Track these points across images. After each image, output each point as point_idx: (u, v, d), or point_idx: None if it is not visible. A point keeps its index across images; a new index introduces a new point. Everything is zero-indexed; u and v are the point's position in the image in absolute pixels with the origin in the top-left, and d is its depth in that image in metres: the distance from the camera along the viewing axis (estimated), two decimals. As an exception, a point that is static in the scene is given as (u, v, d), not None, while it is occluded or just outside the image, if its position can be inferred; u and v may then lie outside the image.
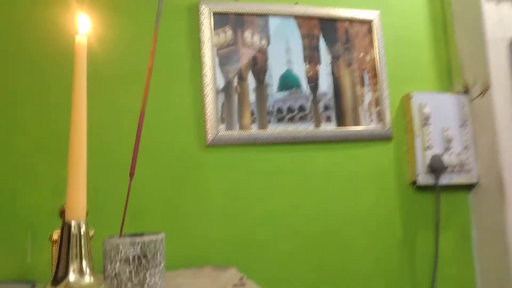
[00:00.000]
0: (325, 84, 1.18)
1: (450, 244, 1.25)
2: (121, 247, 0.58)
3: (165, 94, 1.05)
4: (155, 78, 1.04)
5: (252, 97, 1.11)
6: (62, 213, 0.61)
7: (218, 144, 1.06)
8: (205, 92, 1.06)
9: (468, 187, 1.28)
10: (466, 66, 1.29)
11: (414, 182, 1.22)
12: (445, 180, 1.22)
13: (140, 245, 0.59)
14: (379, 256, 1.17)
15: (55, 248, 0.62)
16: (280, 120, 1.13)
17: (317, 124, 1.16)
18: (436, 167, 1.19)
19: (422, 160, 1.21)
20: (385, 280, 1.17)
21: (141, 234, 0.66)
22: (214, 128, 1.06)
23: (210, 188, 1.06)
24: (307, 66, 1.17)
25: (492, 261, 1.21)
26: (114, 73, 1.02)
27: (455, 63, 1.32)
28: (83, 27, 0.56)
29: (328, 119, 1.17)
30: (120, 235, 0.63)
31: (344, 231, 1.16)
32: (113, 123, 1.01)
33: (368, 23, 1.23)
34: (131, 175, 0.63)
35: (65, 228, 0.50)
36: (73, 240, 0.50)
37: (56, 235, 0.60)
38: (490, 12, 1.24)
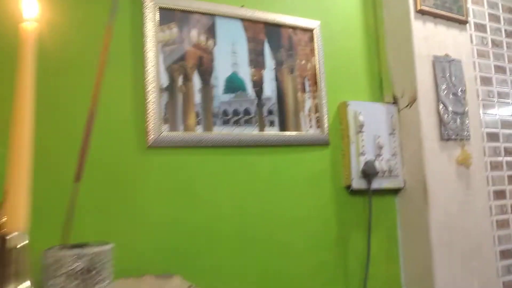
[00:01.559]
0: (269, 89, 1.18)
1: (380, 244, 1.33)
2: (66, 260, 0.52)
3: (104, 90, 0.97)
4: (93, 74, 0.96)
5: (197, 97, 1.07)
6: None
7: (161, 146, 1.01)
8: (147, 90, 1.00)
9: (395, 191, 1.38)
10: (395, 79, 1.39)
11: (348, 186, 1.28)
12: (376, 184, 1.29)
13: (89, 257, 0.53)
14: (316, 257, 1.21)
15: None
16: (225, 122, 1.11)
17: (262, 128, 1.16)
18: (369, 172, 1.26)
19: (356, 165, 1.27)
20: (321, 280, 1.21)
21: (82, 245, 0.60)
22: (156, 129, 1.00)
23: (151, 192, 1.00)
24: (253, 70, 1.17)
25: (415, 259, 1.32)
26: (55, 65, 0.92)
27: (386, 75, 1.41)
28: (29, 11, 0.49)
29: (272, 123, 1.18)
30: (62, 246, 0.56)
31: (285, 234, 1.17)
32: (49, 120, 0.90)
33: (310, 31, 1.27)
34: (78, 179, 0.56)
35: (1, 242, 0.44)
36: (10, 254, 0.44)
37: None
38: (418, 31, 1.35)
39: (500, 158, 1.64)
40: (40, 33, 0.85)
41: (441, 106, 1.34)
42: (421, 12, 1.36)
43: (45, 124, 0.88)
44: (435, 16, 1.40)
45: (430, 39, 1.37)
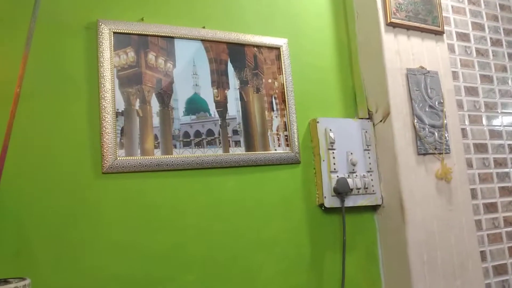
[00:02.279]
0: (233, 108, 1.17)
1: (358, 263, 1.28)
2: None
3: (57, 117, 0.97)
4: (45, 100, 0.97)
5: (155, 121, 1.07)
6: None
7: (116, 171, 1.00)
8: (102, 115, 1.00)
9: (373, 208, 1.34)
10: (369, 93, 1.36)
11: (321, 205, 1.24)
12: (350, 202, 1.26)
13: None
14: (288, 281, 1.17)
15: None
16: (186, 144, 1.10)
17: (226, 149, 1.14)
18: (342, 190, 1.23)
19: (329, 183, 1.24)
20: (294, 305, 1.17)
21: (4, 280, 0.59)
22: (111, 154, 0.99)
23: (107, 219, 0.99)
24: (215, 90, 1.16)
25: (395, 279, 1.26)
26: None
27: (360, 90, 1.38)
28: None
29: (237, 143, 1.16)
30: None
31: (254, 258, 1.14)
32: None
33: (276, 49, 1.26)
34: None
35: None
36: None
37: None
38: (389, 44, 1.32)
39: (489, 170, 1.58)
40: None
41: (416, 119, 1.30)
42: (392, 25, 1.33)
43: None
44: (408, 28, 1.37)
45: (403, 52, 1.34)
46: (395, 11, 1.33)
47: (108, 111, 1.00)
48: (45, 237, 0.92)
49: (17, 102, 0.59)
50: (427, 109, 1.33)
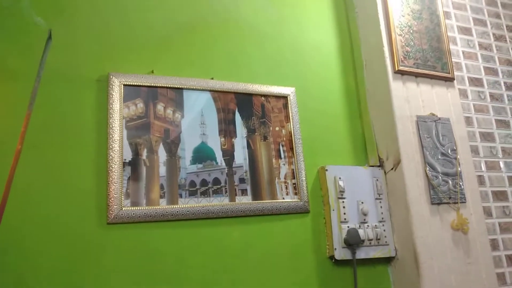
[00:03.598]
0: (240, 157, 1.17)
1: (372, 321, 1.21)
2: None
3: (65, 167, 0.99)
4: (54, 150, 0.99)
5: (162, 170, 1.07)
6: None
7: (121, 222, 1.00)
8: (109, 165, 1.01)
9: (387, 260, 1.28)
10: (379, 141, 1.34)
11: (332, 257, 1.20)
12: (362, 254, 1.21)
13: None
14: (297, 338, 1.11)
15: None
16: (192, 194, 1.09)
17: (232, 198, 1.13)
18: (352, 241, 1.18)
19: (339, 233, 1.20)
20: None
21: None
22: (117, 204, 1.00)
23: (111, 270, 0.97)
24: (222, 139, 1.16)
25: (412, 338, 1.18)
26: None
27: (369, 138, 1.37)
28: None
29: (244, 192, 1.15)
30: None
31: (260, 313, 1.09)
32: None
33: (283, 98, 1.27)
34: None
35: None
36: None
37: None
38: (398, 91, 1.32)
39: (510, 219, 1.51)
40: None
41: (428, 167, 1.27)
42: (400, 73, 1.33)
43: None
44: (417, 75, 1.37)
45: (412, 99, 1.33)
46: (403, 58, 1.34)
47: (116, 161, 1.01)
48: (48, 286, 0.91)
49: (18, 158, 0.60)
50: (439, 157, 1.30)
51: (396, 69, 1.32)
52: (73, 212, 0.97)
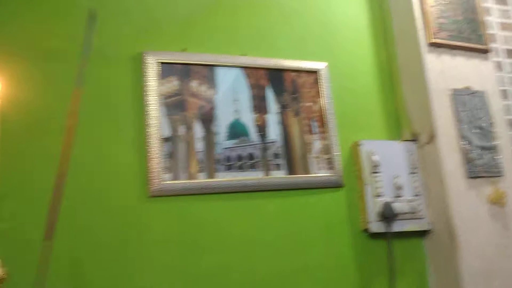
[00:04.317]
0: (273, 132, 1.18)
1: (407, 292, 1.22)
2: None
3: (107, 144, 1.03)
4: (96, 129, 1.03)
5: (199, 145, 1.10)
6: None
7: (163, 195, 1.03)
8: (149, 141, 1.04)
9: (422, 234, 1.28)
10: (413, 115, 1.33)
11: (366, 230, 1.20)
12: (397, 227, 1.21)
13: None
14: (333, 309, 1.13)
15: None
16: (228, 168, 1.11)
17: (267, 172, 1.15)
18: (387, 215, 1.19)
19: (373, 207, 1.20)
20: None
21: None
22: (158, 178, 1.03)
23: (154, 241, 1.01)
24: (256, 115, 1.18)
25: (448, 311, 1.19)
26: (39, 130, 0.97)
27: (403, 112, 1.36)
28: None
29: (278, 167, 1.16)
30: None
31: (296, 282, 1.12)
32: (36, 181, 0.95)
33: (315, 73, 1.27)
34: (47, 238, 0.59)
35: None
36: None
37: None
38: (432, 64, 1.30)
39: (549, 194, 1.47)
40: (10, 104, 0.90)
41: (464, 141, 1.25)
42: (434, 45, 1.31)
43: (14, 186, 0.93)
44: (452, 47, 1.34)
45: (447, 72, 1.31)
46: (437, 31, 1.31)
47: (155, 137, 1.04)
48: (98, 258, 0.96)
49: (72, 134, 0.63)
50: (475, 130, 1.28)
51: (430, 41, 1.29)
52: (117, 186, 1.01)
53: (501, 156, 1.29)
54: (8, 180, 0.91)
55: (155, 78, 1.08)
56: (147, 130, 1.05)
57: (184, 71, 1.12)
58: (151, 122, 1.05)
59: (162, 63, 1.10)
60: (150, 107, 1.06)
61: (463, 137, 1.25)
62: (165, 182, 1.04)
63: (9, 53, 0.98)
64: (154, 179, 1.03)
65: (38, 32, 1.03)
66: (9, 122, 0.87)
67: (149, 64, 1.08)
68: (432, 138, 1.25)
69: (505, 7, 1.62)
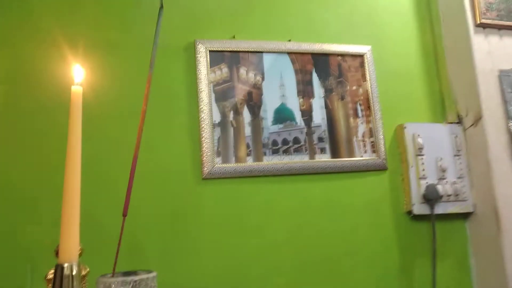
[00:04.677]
0: (319, 116, 1.21)
1: (449, 273, 1.24)
2: (113, 286, 0.61)
3: (163, 129, 1.09)
4: (153, 115, 1.09)
5: (247, 130, 1.14)
6: (57, 253, 0.63)
7: (214, 177, 1.09)
8: (201, 127, 1.10)
9: (465, 216, 1.29)
10: (458, 97, 1.32)
11: (409, 212, 1.23)
12: (440, 209, 1.23)
13: (131, 284, 0.61)
14: (378, 286, 1.17)
15: (50, 286, 0.64)
16: (275, 152, 1.16)
17: (312, 156, 1.18)
18: (431, 197, 1.20)
19: (417, 189, 1.22)
20: (383, 311, 1.17)
21: (134, 272, 0.69)
22: (210, 161, 1.09)
23: (206, 221, 1.08)
24: (301, 100, 1.21)
25: (491, 291, 1.21)
26: (110, 115, 1.06)
27: (447, 94, 1.35)
28: (78, 76, 0.60)
29: (323, 150, 1.20)
30: (113, 274, 0.65)
31: (341, 262, 1.16)
32: (108, 163, 1.04)
33: (360, 57, 1.28)
34: (124, 215, 0.65)
35: (58, 270, 0.53)
36: (65, 282, 0.52)
37: (51, 275, 0.62)
38: (480, 45, 1.27)
39: None
40: (92, 92, 0.99)
41: (511, 123, 1.24)
42: (482, 26, 1.28)
43: (94, 168, 1.01)
44: (500, 27, 1.31)
45: (494, 52, 1.28)
46: (485, 11, 1.28)
47: (207, 122, 1.10)
48: (154, 237, 1.04)
49: (144, 118, 0.69)
50: (524, 112, 1.26)
51: (478, 22, 1.27)
52: (174, 168, 1.08)
53: (550, 138, 1.27)
54: (89, 162, 0.99)
55: (206, 66, 1.12)
56: (200, 115, 1.10)
57: (234, 58, 1.16)
58: (203, 108, 1.10)
59: (213, 51, 1.14)
60: (202, 94, 1.11)
61: (510, 119, 1.24)
62: (216, 166, 1.09)
63: (86, 46, 1.07)
64: (207, 162, 1.08)
65: (107, 24, 1.11)
66: (90, 108, 0.96)
67: (200, 52, 1.12)
68: (478, 120, 1.24)
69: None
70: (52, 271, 0.62)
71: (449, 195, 1.23)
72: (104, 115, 1.06)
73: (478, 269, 1.25)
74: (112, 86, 1.08)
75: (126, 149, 1.03)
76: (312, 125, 1.20)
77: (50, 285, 0.61)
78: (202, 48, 1.13)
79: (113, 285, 0.60)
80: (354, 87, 1.26)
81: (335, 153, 1.20)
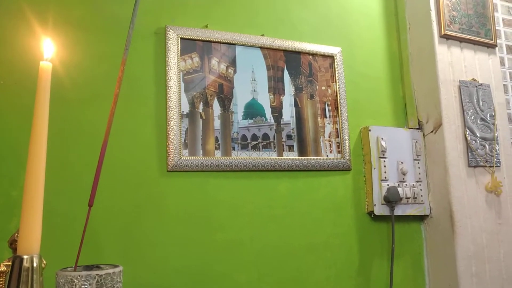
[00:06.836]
0: (288, 114, 1.20)
1: (404, 272, 1.29)
2: (75, 281, 0.55)
3: (127, 117, 1.03)
4: (118, 100, 1.02)
5: (217, 123, 1.11)
6: (11, 243, 0.57)
7: (180, 170, 1.05)
8: (169, 116, 1.05)
9: (421, 218, 1.34)
10: (420, 104, 1.37)
11: (371, 212, 1.26)
12: (399, 211, 1.27)
13: (96, 279, 0.56)
14: (336, 286, 1.19)
15: (2, 279, 0.57)
16: (244, 147, 1.13)
17: (280, 153, 1.17)
18: (392, 199, 1.24)
19: (379, 191, 1.25)
20: (341, 310, 1.18)
21: (97, 266, 0.64)
22: (176, 153, 1.04)
23: (171, 215, 1.03)
24: (272, 96, 1.19)
25: (442, 290, 1.26)
26: (78, 96, 0.99)
27: (410, 100, 1.39)
28: (48, 51, 0.54)
29: (290, 148, 1.19)
30: (75, 267, 0.60)
31: (303, 261, 1.16)
32: (74, 147, 0.97)
33: (330, 57, 1.29)
34: (90, 205, 0.60)
35: (16, 262, 0.47)
36: (24, 275, 0.47)
37: (3, 267, 0.56)
38: (443, 55, 1.33)
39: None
40: (61, 66, 0.93)
41: (467, 131, 1.30)
42: (446, 37, 1.34)
43: (59, 153, 0.94)
44: (461, 40, 1.37)
45: (455, 64, 1.35)
46: (449, 23, 1.34)
47: (174, 112, 1.05)
48: (113, 230, 0.97)
49: (116, 102, 0.64)
50: (478, 122, 1.33)
51: (442, 33, 1.33)
52: (137, 159, 1.02)
53: (500, 148, 1.35)
54: (57, 144, 0.93)
55: (177, 54, 1.08)
56: (168, 105, 1.05)
57: (206, 48, 1.12)
58: (171, 97, 1.06)
59: (185, 38, 1.09)
60: (170, 82, 1.06)
61: (467, 127, 1.31)
62: (183, 158, 1.05)
63: (66, 21, 1.00)
64: (173, 154, 1.04)
65: (79, 2, 1.03)
66: (61, 87, 0.89)
67: (171, 39, 1.07)
68: (438, 126, 1.30)
69: (509, 4, 1.67)
70: (6, 262, 0.55)
71: (408, 198, 1.27)
72: (71, 96, 0.98)
73: (432, 269, 1.30)
74: (81, 65, 1.00)
75: (90, 134, 0.97)
76: (282, 122, 1.19)
77: (2, 277, 0.54)
78: (173, 34, 1.08)
79: (76, 280, 0.55)
80: (323, 87, 1.27)
81: (302, 152, 1.20)
